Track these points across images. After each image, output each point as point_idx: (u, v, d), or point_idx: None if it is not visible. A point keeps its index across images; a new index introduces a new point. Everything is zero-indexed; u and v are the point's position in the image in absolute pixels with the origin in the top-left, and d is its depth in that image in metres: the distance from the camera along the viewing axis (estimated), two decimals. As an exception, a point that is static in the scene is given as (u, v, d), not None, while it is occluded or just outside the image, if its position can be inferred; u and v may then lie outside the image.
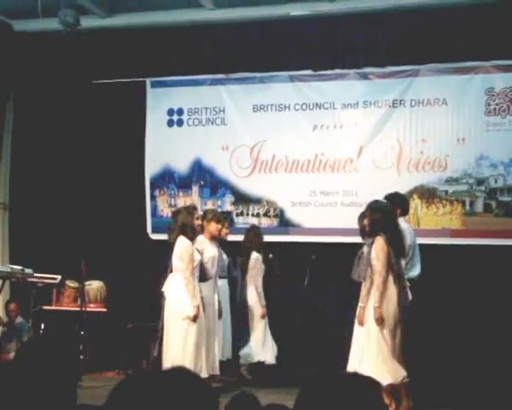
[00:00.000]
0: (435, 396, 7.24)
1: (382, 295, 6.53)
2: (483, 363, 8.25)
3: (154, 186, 10.18)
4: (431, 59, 9.14)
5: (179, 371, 1.86)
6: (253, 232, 9.06)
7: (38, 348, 2.34)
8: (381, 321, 6.50)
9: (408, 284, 6.87)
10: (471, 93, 9.10)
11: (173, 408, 1.71)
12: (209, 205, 9.97)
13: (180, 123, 10.14)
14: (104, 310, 9.59)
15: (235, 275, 8.83)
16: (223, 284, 8.46)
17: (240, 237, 9.06)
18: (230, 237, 8.92)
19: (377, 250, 6.60)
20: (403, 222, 7.41)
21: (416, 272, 7.48)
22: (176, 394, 1.75)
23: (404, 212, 7.67)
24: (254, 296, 8.82)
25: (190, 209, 7.65)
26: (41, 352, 2.26)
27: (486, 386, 7.73)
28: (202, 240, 7.89)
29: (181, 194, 9.90)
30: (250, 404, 1.90)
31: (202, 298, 7.45)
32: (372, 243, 6.66)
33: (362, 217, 7.18)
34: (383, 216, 6.73)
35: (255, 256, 8.86)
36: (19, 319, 9.51)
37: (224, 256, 8.36)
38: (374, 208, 6.85)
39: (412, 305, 6.85)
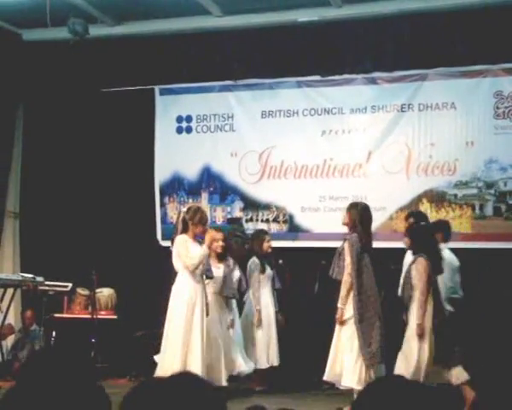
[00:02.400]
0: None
1: (423, 312, 6.85)
2: (491, 362, 8.21)
3: (163, 193, 10.21)
4: (439, 63, 9.13)
5: (185, 376, 1.87)
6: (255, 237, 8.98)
7: (45, 358, 2.35)
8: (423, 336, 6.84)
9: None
10: (479, 97, 9.09)
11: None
12: (219, 212, 10.00)
13: (189, 130, 10.17)
14: (115, 317, 9.62)
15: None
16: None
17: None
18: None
19: (420, 271, 6.90)
20: (447, 251, 7.73)
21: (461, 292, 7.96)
22: (184, 400, 1.76)
23: (447, 238, 7.92)
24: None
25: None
26: (50, 361, 2.27)
27: (494, 389, 7.70)
28: (186, 238, 7.60)
29: (190, 200, 9.92)
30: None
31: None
32: (414, 261, 7.00)
33: (349, 209, 7.32)
34: (424, 238, 7.15)
35: (252, 261, 8.71)
36: (33, 327, 9.56)
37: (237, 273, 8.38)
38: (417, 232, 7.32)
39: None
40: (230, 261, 8.21)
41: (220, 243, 8.10)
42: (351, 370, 6.92)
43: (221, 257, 8.15)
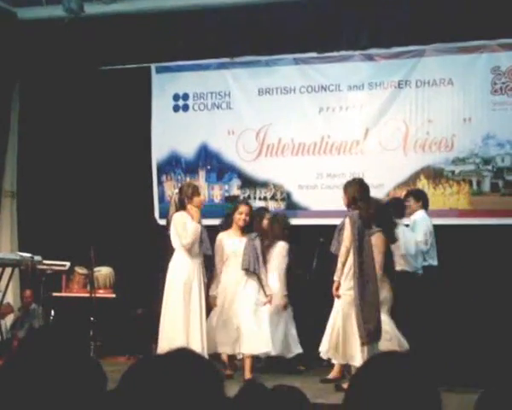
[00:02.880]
0: (440, 374, 7.27)
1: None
2: (489, 342, 8.26)
3: (160, 172, 10.20)
4: (436, 39, 9.11)
5: (183, 352, 1.88)
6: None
7: (42, 336, 2.36)
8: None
9: None
10: (477, 72, 9.07)
11: (179, 390, 1.73)
12: (216, 190, 10.00)
13: (186, 108, 10.15)
14: (113, 296, 9.64)
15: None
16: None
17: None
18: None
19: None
20: (423, 213, 8.16)
21: (435, 261, 8.06)
22: (181, 376, 1.77)
23: (425, 205, 8.29)
24: None
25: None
26: (47, 339, 2.28)
27: (492, 366, 7.75)
28: (183, 215, 7.56)
29: (188, 179, 9.90)
30: (260, 392, 1.91)
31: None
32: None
33: (348, 187, 7.34)
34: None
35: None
36: (32, 306, 9.59)
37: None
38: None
39: (431, 291, 7.53)
40: (253, 236, 7.88)
41: (243, 217, 7.77)
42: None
43: (244, 230, 7.82)
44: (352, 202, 7.15)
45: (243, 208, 7.83)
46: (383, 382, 1.78)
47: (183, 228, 7.44)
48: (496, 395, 1.86)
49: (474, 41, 9.00)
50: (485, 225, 8.86)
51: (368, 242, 7.13)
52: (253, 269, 7.66)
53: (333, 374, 7.48)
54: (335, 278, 7.07)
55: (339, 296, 7.05)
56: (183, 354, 1.81)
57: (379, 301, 7.09)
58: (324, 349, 7.22)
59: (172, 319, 7.38)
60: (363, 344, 6.86)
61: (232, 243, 7.75)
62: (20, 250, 9.48)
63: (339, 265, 7.05)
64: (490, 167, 9.04)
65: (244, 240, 7.73)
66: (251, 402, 1.94)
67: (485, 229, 8.78)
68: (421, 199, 8.27)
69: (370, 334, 6.89)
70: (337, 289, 7.04)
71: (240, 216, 7.74)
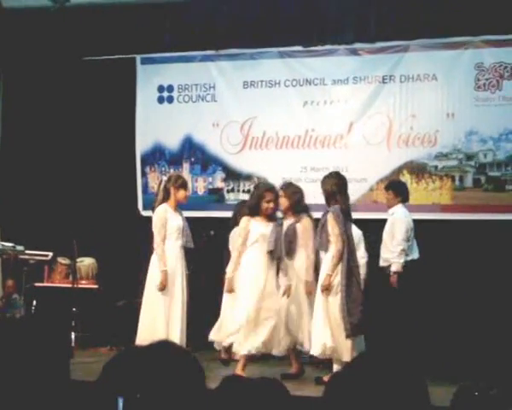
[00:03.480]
0: (430, 369, 7.33)
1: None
2: (473, 336, 8.33)
3: (144, 163, 10.18)
4: (421, 34, 9.14)
5: (164, 344, 1.89)
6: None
7: (23, 325, 2.36)
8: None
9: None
10: (461, 68, 9.11)
11: (160, 382, 1.75)
12: (200, 182, 9.99)
13: (170, 100, 10.13)
14: (96, 287, 9.63)
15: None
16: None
17: (230, 214, 9.04)
18: (220, 214, 9.04)
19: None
20: (401, 207, 8.01)
21: (416, 254, 7.99)
22: (163, 367, 1.79)
23: (405, 199, 8.15)
24: None
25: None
26: (27, 329, 2.28)
27: (477, 357, 7.82)
28: (166, 209, 7.59)
29: (172, 170, 9.88)
30: (240, 384, 1.93)
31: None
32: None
33: (325, 181, 7.31)
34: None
35: (235, 231, 8.57)
36: (14, 296, 9.55)
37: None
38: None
39: (413, 285, 7.53)
40: (280, 221, 7.57)
41: (271, 205, 7.37)
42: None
43: (270, 217, 7.47)
44: (330, 196, 7.14)
45: (270, 196, 7.42)
46: (368, 375, 1.79)
47: (162, 226, 7.48)
48: (472, 389, 1.88)
49: (458, 37, 9.03)
50: (468, 220, 8.92)
51: (350, 235, 7.16)
52: (278, 256, 7.33)
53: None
54: (328, 272, 6.99)
55: (329, 292, 6.99)
56: (163, 346, 1.82)
57: (362, 294, 7.12)
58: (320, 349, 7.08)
59: (153, 310, 7.39)
60: (347, 337, 6.89)
61: (260, 226, 7.36)
62: (2, 240, 9.44)
63: (335, 260, 7.00)
64: (472, 163, 9.09)
65: (271, 225, 7.38)
66: (231, 395, 1.95)
67: (468, 224, 8.84)
68: (401, 194, 8.12)
69: (354, 327, 6.92)
70: (330, 284, 6.98)
71: (267, 205, 7.36)
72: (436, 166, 9.20)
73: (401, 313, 7.60)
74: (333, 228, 7.01)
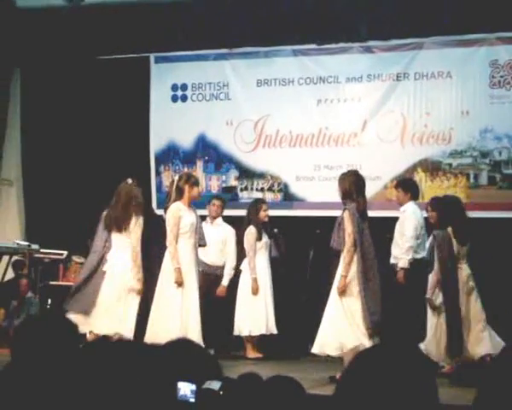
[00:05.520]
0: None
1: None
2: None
3: (158, 162, 10.20)
4: (435, 32, 9.10)
5: (183, 342, 1.89)
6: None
7: (37, 324, 2.37)
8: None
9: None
10: (475, 66, 9.07)
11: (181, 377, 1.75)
12: (214, 181, 10.00)
13: (184, 98, 10.15)
14: (110, 285, 9.64)
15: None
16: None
17: (244, 212, 9.05)
18: (234, 213, 9.03)
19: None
20: (412, 204, 7.98)
21: (425, 252, 7.84)
22: (181, 365, 1.79)
23: (415, 196, 8.12)
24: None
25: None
26: (40, 327, 2.29)
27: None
28: (180, 206, 7.61)
29: (185, 169, 9.90)
30: (256, 383, 1.93)
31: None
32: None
33: (343, 179, 7.28)
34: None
35: (249, 230, 8.70)
36: (29, 294, 9.61)
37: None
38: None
39: (421, 283, 7.41)
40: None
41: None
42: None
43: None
44: (347, 195, 7.11)
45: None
46: (377, 372, 1.79)
47: (175, 224, 7.47)
48: (494, 392, 1.87)
49: (472, 34, 9.00)
50: (482, 218, 8.86)
51: (366, 235, 7.11)
52: None
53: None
54: (343, 273, 6.94)
55: (344, 292, 6.94)
56: (181, 344, 1.83)
57: (381, 291, 7.05)
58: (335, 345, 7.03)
59: (167, 308, 7.38)
60: (370, 336, 6.84)
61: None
62: (18, 239, 9.49)
63: (347, 260, 6.95)
64: (487, 161, 9.05)
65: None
66: (248, 393, 1.95)
67: (482, 222, 8.79)
68: (410, 190, 8.09)
69: (377, 325, 6.88)
70: (345, 284, 6.94)
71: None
72: (450, 164, 9.17)
73: (409, 311, 7.57)
74: (346, 227, 6.99)
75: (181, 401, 1.75)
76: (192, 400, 1.75)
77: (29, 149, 10.50)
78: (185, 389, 1.75)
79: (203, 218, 8.31)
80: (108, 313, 7.28)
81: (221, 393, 1.75)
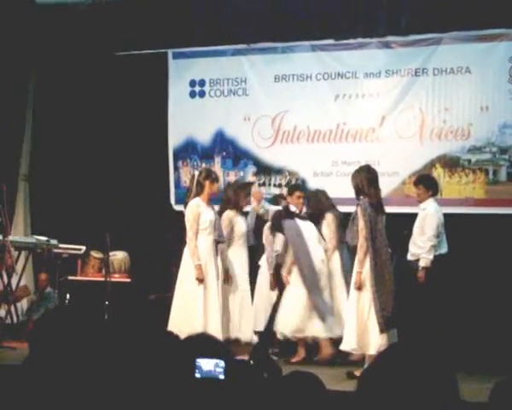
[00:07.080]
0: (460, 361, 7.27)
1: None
2: (507, 332, 8.25)
3: (177, 157, 10.23)
4: (454, 27, 9.06)
5: (203, 337, 1.90)
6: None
7: (57, 317, 2.39)
8: None
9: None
10: (495, 61, 9.01)
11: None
12: (231, 176, 10.01)
13: (202, 94, 10.16)
14: (128, 280, 9.69)
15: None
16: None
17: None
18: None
19: None
20: (433, 202, 7.94)
21: (444, 249, 7.89)
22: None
23: (435, 193, 8.10)
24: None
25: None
26: (61, 321, 2.31)
27: (506, 352, 7.75)
28: (199, 203, 7.63)
29: (203, 165, 9.91)
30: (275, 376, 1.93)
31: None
32: None
33: (355, 176, 7.30)
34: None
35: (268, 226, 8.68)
36: (48, 289, 9.67)
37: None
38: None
39: (441, 279, 7.47)
40: None
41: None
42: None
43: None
44: (360, 191, 7.15)
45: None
46: (399, 370, 1.79)
47: (194, 221, 7.49)
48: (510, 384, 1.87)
49: (492, 29, 8.94)
50: (501, 214, 8.82)
51: (380, 230, 7.11)
52: None
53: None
54: (358, 269, 7.04)
55: (361, 288, 7.00)
56: (204, 339, 1.83)
57: (394, 287, 7.06)
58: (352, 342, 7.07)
59: (188, 304, 7.41)
60: (381, 331, 6.85)
61: None
62: (36, 234, 9.54)
63: (360, 256, 7.02)
64: (506, 157, 8.99)
65: None
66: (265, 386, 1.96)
67: (502, 218, 8.75)
68: (432, 188, 8.09)
69: (388, 321, 6.89)
70: (361, 280, 6.99)
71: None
72: (469, 160, 9.12)
73: (428, 308, 7.55)
74: (358, 222, 7.02)
75: (205, 378, 1.69)
76: (221, 376, 1.69)
77: (44, 144, 10.52)
78: (208, 365, 1.68)
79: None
80: None
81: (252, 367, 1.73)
